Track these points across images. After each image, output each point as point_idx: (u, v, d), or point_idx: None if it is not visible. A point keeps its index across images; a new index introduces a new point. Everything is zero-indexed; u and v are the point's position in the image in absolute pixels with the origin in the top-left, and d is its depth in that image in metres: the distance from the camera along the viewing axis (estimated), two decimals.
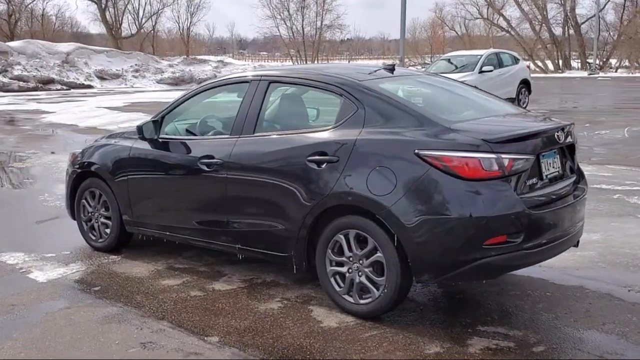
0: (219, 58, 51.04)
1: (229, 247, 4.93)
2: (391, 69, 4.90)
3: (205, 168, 4.87)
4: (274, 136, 4.68)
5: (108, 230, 5.76)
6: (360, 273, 4.16)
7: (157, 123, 5.23)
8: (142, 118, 18.33)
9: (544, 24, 53.34)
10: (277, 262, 4.77)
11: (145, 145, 5.35)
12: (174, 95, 29.87)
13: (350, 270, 4.21)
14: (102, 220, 5.79)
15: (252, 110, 4.77)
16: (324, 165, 4.25)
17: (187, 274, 5.22)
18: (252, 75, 4.96)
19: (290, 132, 4.62)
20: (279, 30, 62.72)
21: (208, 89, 5.28)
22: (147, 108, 20.85)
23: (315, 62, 49.08)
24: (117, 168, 5.52)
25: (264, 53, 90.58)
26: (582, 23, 53.24)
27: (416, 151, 3.94)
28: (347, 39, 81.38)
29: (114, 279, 5.15)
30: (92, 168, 5.75)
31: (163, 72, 37.55)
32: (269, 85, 4.79)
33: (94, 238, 5.89)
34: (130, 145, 5.46)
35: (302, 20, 61.03)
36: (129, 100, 24.54)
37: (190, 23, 73.65)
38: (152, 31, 68.69)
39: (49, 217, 7.15)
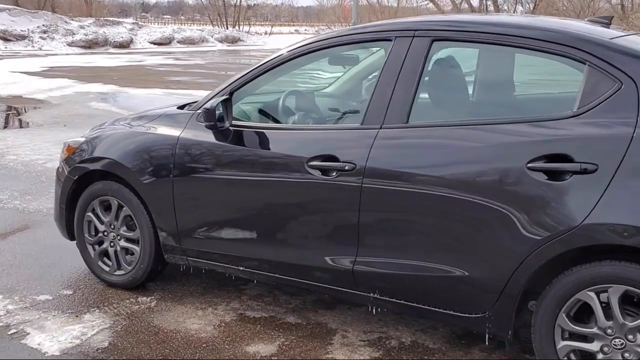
0: (132, 20, 47.40)
1: (354, 295, 3.22)
2: (607, 23, 3.26)
3: (317, 175, 3.12)
4: (453, 130, 2.96)
5: (133, 259, 3.89)
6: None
7: (227, 103, 3.38)
8: (71, 85, 15.92)
9: None
10: (453, 323, 3.13)
11: (203, 135, 3.52)
12: (91, 59, 27.07)
13: (606, 349, 2.62)
14: (123, 243, 3.91)
15: (403, 86, 3.04)
16: (567, 178, 2.61)
17: (275, 329, 3.48)
18: (398, 29, 3.19)
19: (481, 123, 2.93)
20: None
21: (310, 52, 3.45)
22: (71, 74, 18.36)
23: (236, 27, 46.40)
24: (153, 168, 3.65)
25: (168, 16, 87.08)
26: None
27: None
28: (254, 4, 78.26)
29: (168, 344, 3.33)
30: (107, 166, 3.85)
31: (74, 33, 34.15)
32: (431, 45, 3.05)
33: (107, 269, 4.00)
34: (177, 135, 3.60)
35: None
36: (45, 65, 21.71)
37: None
38: None
39: (14, 228, 5.12)
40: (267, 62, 3.48)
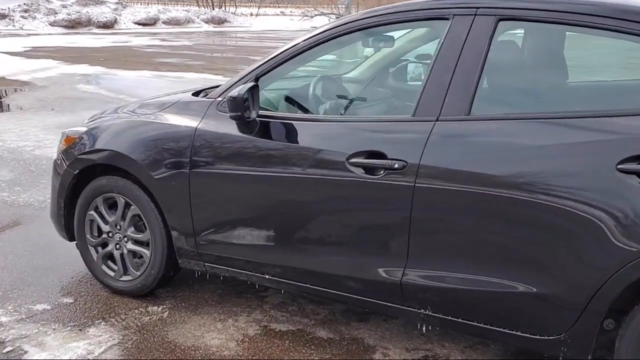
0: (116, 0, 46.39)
1: (400, 311, 2.83)
2: None
3: (360, 173, 2.72)
4: (523, 123, 2.55)
5: (142, 263, 3.48)
6: None
7: (253, 91, 2.95)
8: (56, 66, 15.30)
9: None
10: (518, 345, 2.74)
11: (225, 126, 3.10)
12: (74, 39, 26.29)
13: None
14: (130, 246, 3.49)
15: (463, 72, 2.63)
16: None
17: (306, 345, 3.09)
18: (457, 6, 2.76)
19: (558, 116, 2.53)
20: None
21: (347, 32, 3.02)
22: (55, 54, 17.74)
23: (222, 7, 45.49)
24: (166, 162, 3.22)
25: None
26: None
27: None
28: None
29: None
30: (112, 160, 3.42)
31: (57, 13, 33.29)
32: (496, 25, 2.64)
33: (111, 274, 3.58)
34: (195, 125, 3.17)
35: None
36: (27, 45, 21.04)
37: None
38: None
39: (3, 224, 4.68)
40: (298, 44, 3.06)
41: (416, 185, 2.61)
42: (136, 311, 3.40)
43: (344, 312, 3.40)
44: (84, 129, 3.62)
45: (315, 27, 3.18)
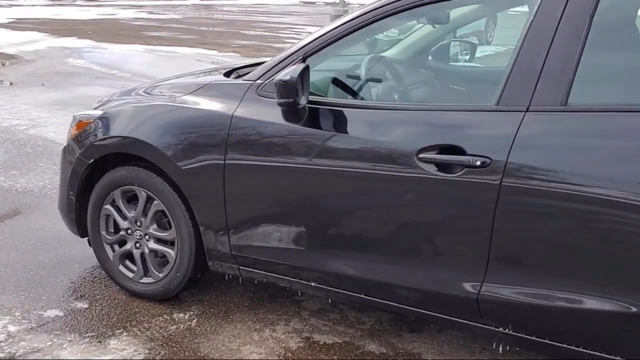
0: None
1: (474, 328, 2.48)
2: None
3: (431, 170, 2.35)
4: (637, 118, 2.19)
5: (166, 264, 3.10)
6: None
7: (304, 73, 2.55)
8: (43, 39, 14.64)
9: None
10: None
11: (267, 113, 2.70)
12: (59, 11, 25.41)
13: None
14: (153, 245, 3.11)
15: (560, 53, 2.25)
16: None
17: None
18: None
19: None
20: None
21: (412, 6, 2.61)
22: (41, 27, 17.15)
23: None
24: (196, 152, 2.82)
25: None
26: None
27: None
28: None
29: None
30: (132, 148, 3.03)
31: None
32: None
33: (130, 275, 3.20)
34: (231, 112, 2.77)
35: None
36: (11, 16, 20.39)
37: None
38: None
39: (2, 214, 4.26)
40: (353, 19, 2.66)
41: (502, 185, 2.24)
42: (160, 319, 3.02)
43: (392, 320, 3.06)
44: (99, 112, 3.21)
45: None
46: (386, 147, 2.45)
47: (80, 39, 14.66)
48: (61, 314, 3.03)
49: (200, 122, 2.85)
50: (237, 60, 10.69)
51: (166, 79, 3.50)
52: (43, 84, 8.90)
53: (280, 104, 2.56)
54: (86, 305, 3.11)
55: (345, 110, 2.61)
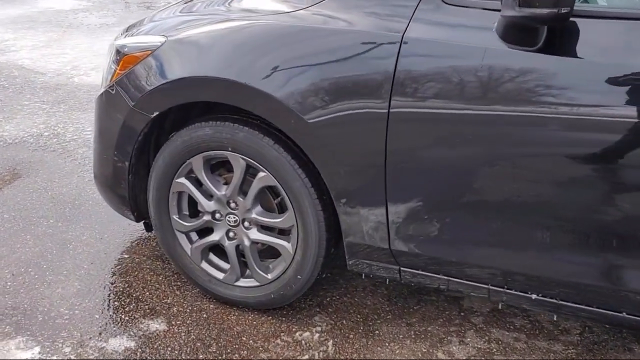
0: None
1: None
2: None
3: None
4: None
5: (276, 262, 2.13)
6: None
7: None
8: None
9: None
10: None
11: (464, 32, 1.69)
12: None
13: None
14: (257, 234, 2.13)
15: None
16: None
17: None
18: None
19: None
20: None
21: None
22: None
23: None
24: (338, 98, 1.80)
25: None
26: None
27: None
28: None
29: None
30: (226, 96, 1.98)
31: None
32: None
33: (219, 276, 2.25)
34: (400, 34, 1.73)
35: None
36: None
37: None
38: None
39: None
40: None
41: None
42: (277, 341, 2.09)
43: (602, 330, 2.18)
44: (160, 38, 2.12)
45: None
46: None
47: None
48: (132, 345, 2.05)
49: (341, 51, 1.81)
50: None
51: None
52: None
53: (510, 18, 1.54)
54: (164, 327, 2.14)
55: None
